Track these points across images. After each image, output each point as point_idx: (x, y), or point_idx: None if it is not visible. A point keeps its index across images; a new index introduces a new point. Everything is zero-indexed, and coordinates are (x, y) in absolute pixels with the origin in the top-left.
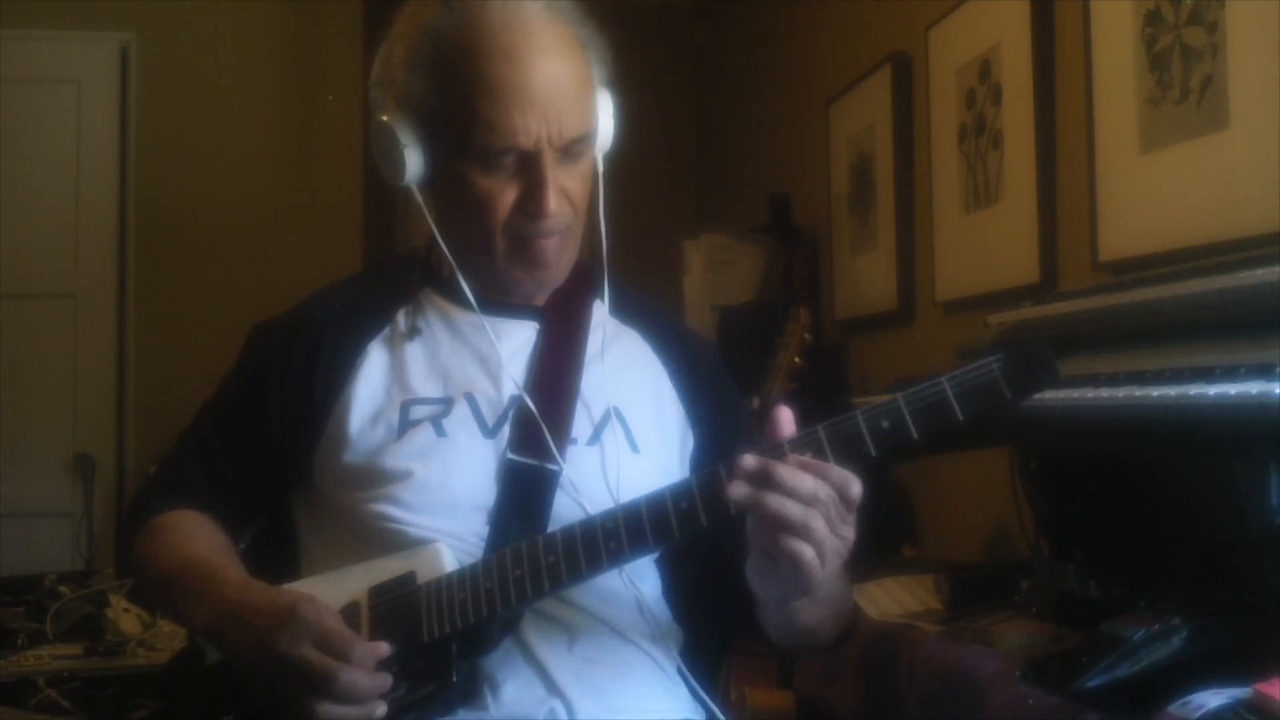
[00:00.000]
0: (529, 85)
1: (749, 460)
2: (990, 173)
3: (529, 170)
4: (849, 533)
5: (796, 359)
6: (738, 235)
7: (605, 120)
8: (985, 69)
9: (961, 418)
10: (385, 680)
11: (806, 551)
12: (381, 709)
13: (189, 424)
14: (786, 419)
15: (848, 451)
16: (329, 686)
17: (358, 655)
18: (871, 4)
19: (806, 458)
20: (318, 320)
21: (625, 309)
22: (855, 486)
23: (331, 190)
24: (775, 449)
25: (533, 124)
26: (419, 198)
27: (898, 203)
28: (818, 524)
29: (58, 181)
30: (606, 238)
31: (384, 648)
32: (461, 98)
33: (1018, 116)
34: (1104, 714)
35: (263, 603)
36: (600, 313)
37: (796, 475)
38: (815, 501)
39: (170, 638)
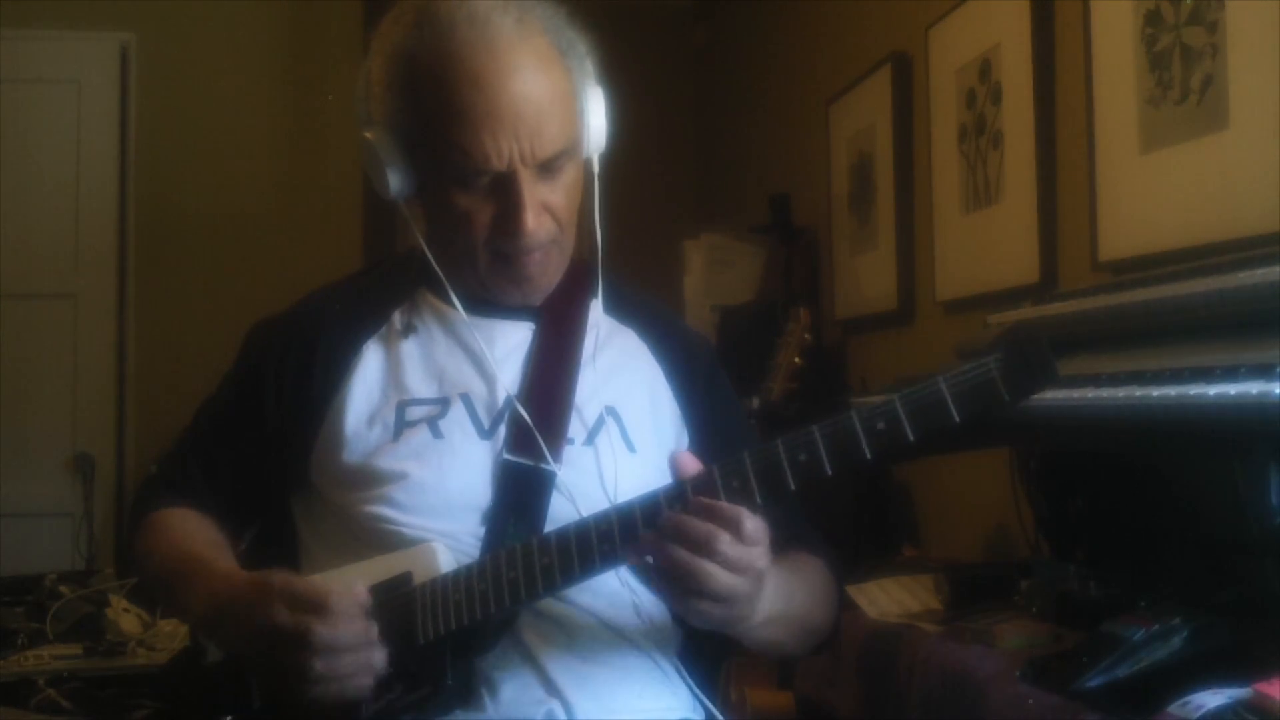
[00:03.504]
0: (498, 108)
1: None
2: (990, 173)
3: (505, 190)
4: (749, 571)
5: (796, 359)
6: (738, 235)
7: (597, 119)
8: (985, 69)
9: (958, 419)
10: (368, 626)
11: (702, 603)
12: (380, 655)
13: (189, 422)
14: (688, 462)
15: (842, 453)
16: (308, 641)
17: (333, 605)
18: (871, 4)
19: (707, 500)
20: (315, 319)
21: (621, 307)
22: (748, 522)
23: (331, 190)
24: (735, 463)
25: (504, 146)
26: (406, 211)
27: (898, 203)
28: (711, 569)
29: (58, 181)
30: (602, 237)
31: (361, 591)
32: (433, 121)
33: (1018, 116)
34: (1104, 714)
35: (243, 586)
36: (596, 311)
37: (688, 522)
38: (709, 548)
39: (170, 638)
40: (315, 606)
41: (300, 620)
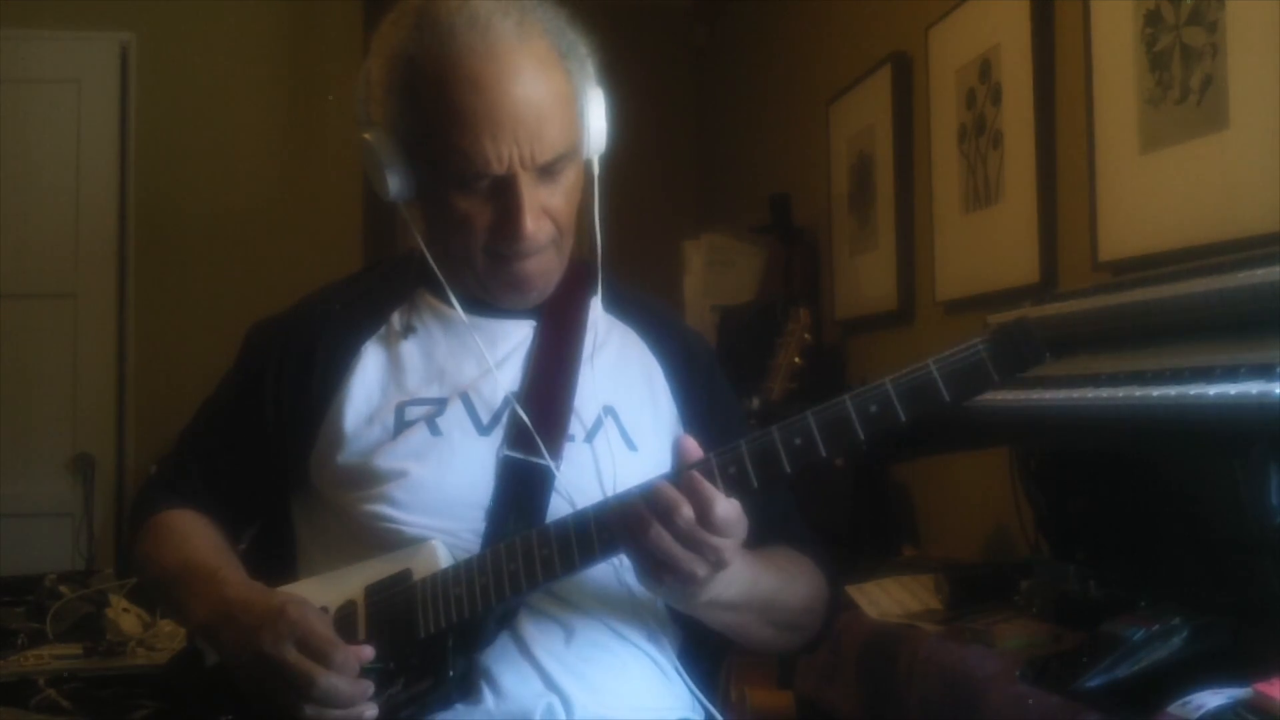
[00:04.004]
0: (498, 112)
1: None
2: (990, 173)
3: (504, 194)
4: (704, 550)
5: (796, 359)
6: (738, 235)
7: (597, 120)
8: (985, 69)
9: (949, 399)
10: (366, 687)
11: (639, 558)
12: (371, 711)
13: (189, 423)
14: (690, 446)
15: (836, 436)
16: (308, 690)
17: (339, 660)
18: (871, 4)
19: (694, 476)
20: (314, 320)
21: (620, 305)
22: (719, 508)
23: (331, 190)
24: (732, 449)
25: (504, 150)
26: (405, 213)
27: (898, 203)
28: (657, 536)
29: (58, 181)
30: (602, 237)
31: (368, 651)
32: (434, 124)
33: (1018, 116)
34: (1104, 714)
35: (254, 601)
36: (595, 310)
37: (661, 487)
38: (667, 515)
39: (170, 638)
40: (323, 655)
41: (305, 666)
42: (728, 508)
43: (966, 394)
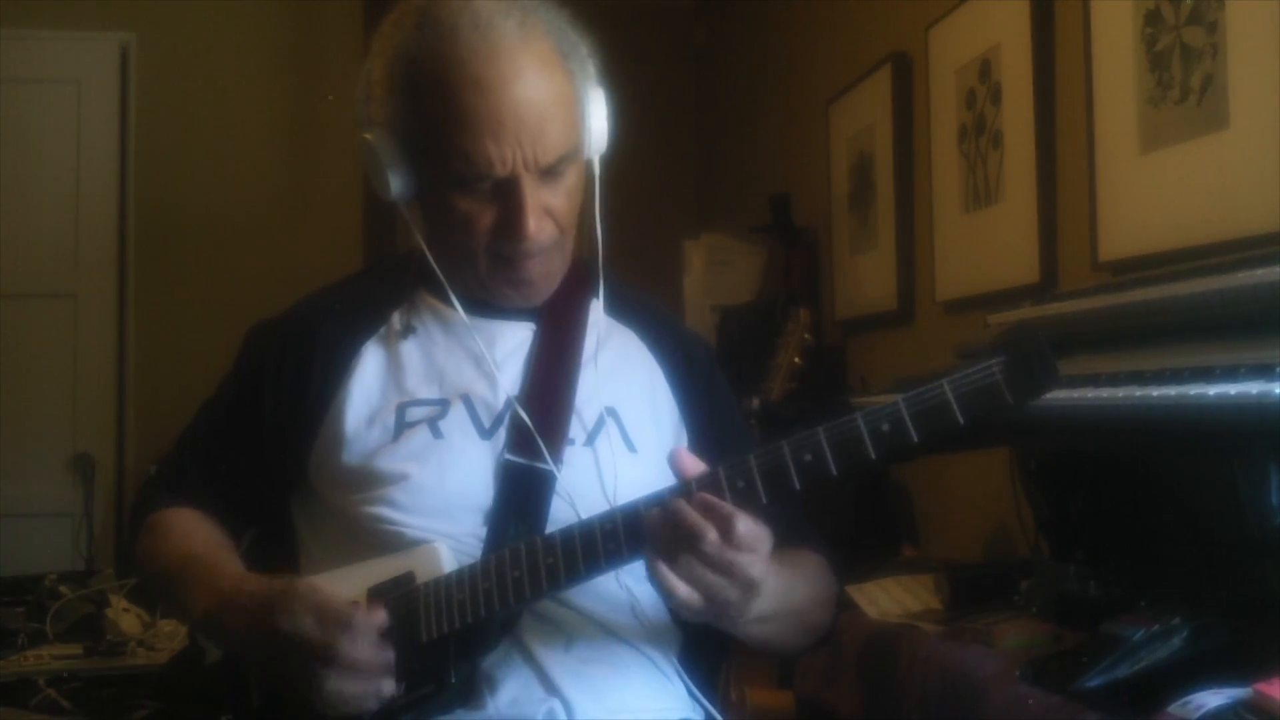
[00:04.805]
0: (501, 114)
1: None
2: (990, 173)
3: (507, 195)
4: (734, 574)
5: (796, 359)
6: (738, 235)
7: (598, 121)
8: (985, 69)
9: (962, 421)
10: (389, 653)
11: (679, 589)
12: (389, 684)
13: (189, 424)
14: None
15: (847, 454)
16: (331, 657)
17: (360, 625)
18: (871, 4)
19: (707, 496)
20: (313, 321)
21: (620, 307)
22: (740, 525)
23: (331, 190)
24: (741, 463)
25: (507, 151)
26: (406, 213)
27: (898, 203)
28: (691, 565)
29: (58, 181)
30: (603, 238)
31: (381, 615)
32: (436, 125)
33: (1018, 116)
34: (1104, 714)
35: (258, 587)
36: (596, 312)
37: (682, 511)
38: (692, 542)
39: (170, 638)
40: (343, 623)
41: (326, 635)
42: (750, 528)
43: (980, 415)
